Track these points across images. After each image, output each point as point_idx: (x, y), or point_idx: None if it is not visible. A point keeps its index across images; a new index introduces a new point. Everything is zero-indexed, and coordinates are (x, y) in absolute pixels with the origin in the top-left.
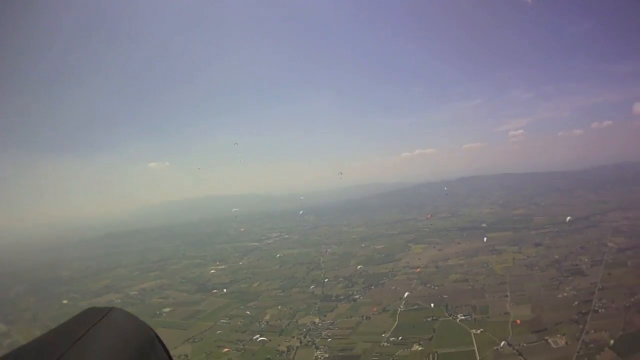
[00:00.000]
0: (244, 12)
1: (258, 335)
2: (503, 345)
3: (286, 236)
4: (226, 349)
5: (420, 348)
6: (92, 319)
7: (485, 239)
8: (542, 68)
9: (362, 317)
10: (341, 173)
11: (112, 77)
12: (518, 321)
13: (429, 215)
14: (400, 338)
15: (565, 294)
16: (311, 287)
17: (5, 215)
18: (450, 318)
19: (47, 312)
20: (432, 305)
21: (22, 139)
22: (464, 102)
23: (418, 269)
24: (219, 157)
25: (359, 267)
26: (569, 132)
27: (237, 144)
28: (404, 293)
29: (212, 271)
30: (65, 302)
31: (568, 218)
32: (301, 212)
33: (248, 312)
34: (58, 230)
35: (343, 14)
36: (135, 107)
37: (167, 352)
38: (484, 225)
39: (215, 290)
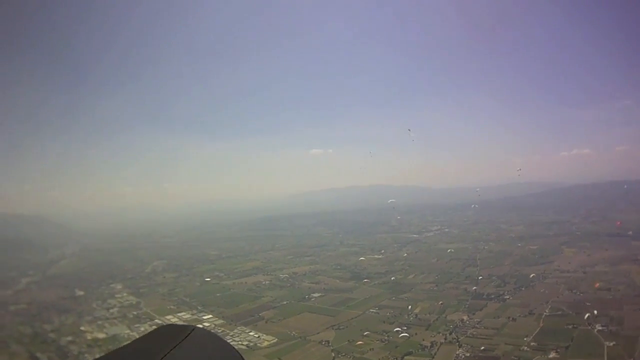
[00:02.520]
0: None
1: (400, 329)
2: None
3: (446, 230)
4: (359, 342)
5: (557, 356)
6: (173, 337)
7: None
8: None
9: (509, 318)
10: (519, 169)
11: (279, 59)
12: None
13: (619, 222)
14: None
15: None
16: (471, 286)
17: (158, 194)
18: (589, 327)
19: (187, 288)
20: (587, 315)
21: (177, 119)
22: (615, 101)
23: (597, 284)
24: (386, 147)
25: (531, 275)
26: None
27: (410, 130)
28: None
29: (361, 258)
30: (207, 279)
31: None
32: (473, 205)
33: (409, 306)
34: (211, 212)
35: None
36: (299, 93)
37: None
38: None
39: (366, 280)
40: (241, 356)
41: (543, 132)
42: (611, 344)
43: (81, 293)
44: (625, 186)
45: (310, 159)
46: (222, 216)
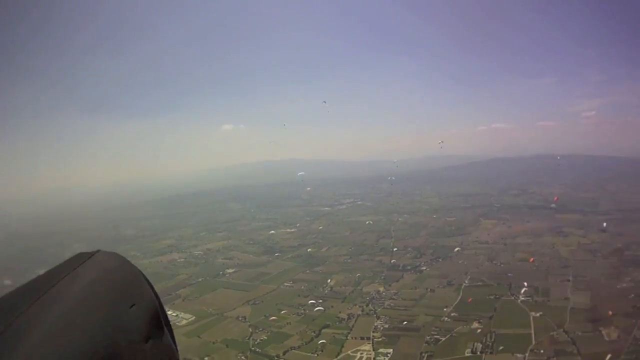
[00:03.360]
0: None
1: (315, 302)
2: None
3: (359, 203)
4: (273, 317)
5: (480, 326)
6: (79, 263)
7: (604, 224)
8: (615, 50)
9: (427, 289)
10: (442, 142)
11: (186, 36)
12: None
13: (556, 198)
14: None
15: (624, 285)
16: (386, 257)
17: (77, 177)
18: (512, 298)
19: None
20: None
21: (89, 100)
22: (539, 78)
23: (532, 259)
24: (300, 121)
25: (456, 250)
26: None
27: (325, 102)
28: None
29: (271, 232)
30: None
31: None
32: (390, 177)
33: (329, 280)
34: (125, 192)
35: None
36: (210, 69)
37: (154, 290)
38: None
39: (278, 254)
40: (140, 271)
41: (461, 106)
42: (537, 314)
43: (9, 282)
44: (559, 157)
45: (221, 134)
46: (137, 196)
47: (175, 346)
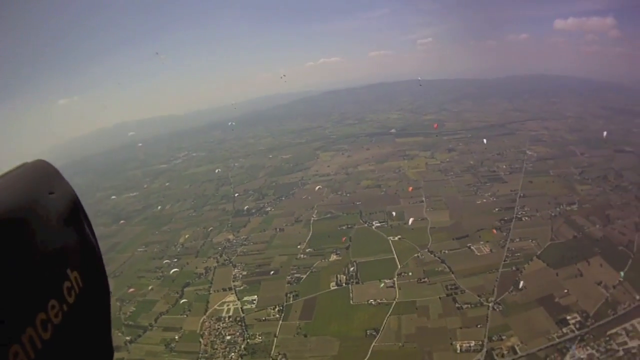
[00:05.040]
0: None
1: (169, 261)
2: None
3: (194, 154)
4: (131, 289)
5: (339, 258)
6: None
7: (485, 140)
8: None
9: (276, 229)
10: (284, 75)
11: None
12: (494, 231)
13: (436, 125)
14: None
15: (485, 200)
16: (229, 205)
17: None
18: (366, 225)
19: None
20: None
21: None
22: (371, 11)
23: (411, 188)
24: (127, 83)
25: (317, 188)
26: (482, 42)
27: (158, 53)
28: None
29: (112, 197)
30: None
31: (604, 133)
32: (230, 123)
33: (186, 236)
34: None
35: None
36: (36, 45)
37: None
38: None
39: (122, 221)
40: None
41: (287, 45)
42: (396, 238)
43: None
44: (420, 78)
45: (59, 109)
46: None
47: (96, 242)
